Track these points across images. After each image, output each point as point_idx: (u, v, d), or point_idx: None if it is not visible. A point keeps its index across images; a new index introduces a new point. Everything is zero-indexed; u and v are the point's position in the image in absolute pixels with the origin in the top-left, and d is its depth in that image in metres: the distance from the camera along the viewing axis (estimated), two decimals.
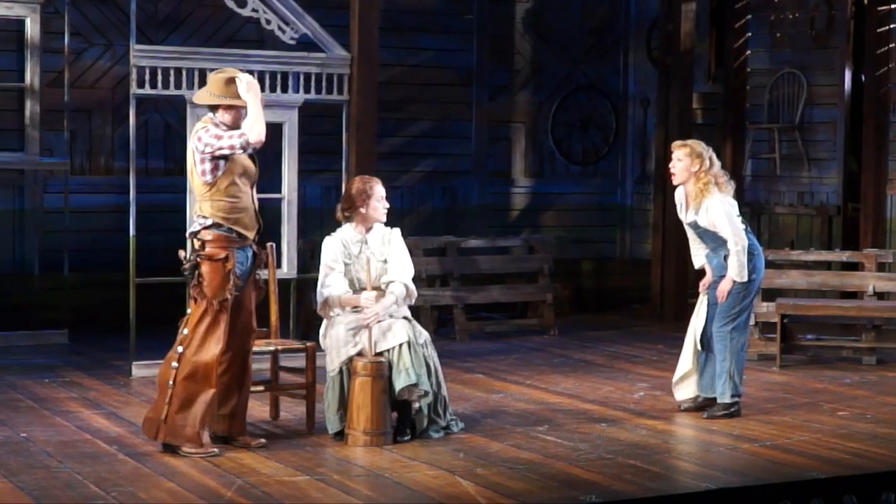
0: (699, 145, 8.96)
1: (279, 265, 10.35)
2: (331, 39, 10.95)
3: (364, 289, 8.16)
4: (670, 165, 9.00)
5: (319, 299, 8.26)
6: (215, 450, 7.69)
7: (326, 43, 10.93)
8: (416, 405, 8.11)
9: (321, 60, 10.91)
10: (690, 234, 9.11)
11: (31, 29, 12.05)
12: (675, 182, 9.00)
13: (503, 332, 12.93)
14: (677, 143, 9.11)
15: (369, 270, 8.14)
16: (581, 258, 15.11)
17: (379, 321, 8.04)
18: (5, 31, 12.08)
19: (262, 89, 10.56)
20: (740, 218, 8.90)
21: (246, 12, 10.71)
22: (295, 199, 10.88)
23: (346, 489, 6.97)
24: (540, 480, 7.19)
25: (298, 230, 10.96)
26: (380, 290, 8.18)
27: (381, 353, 8.05)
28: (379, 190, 8.32)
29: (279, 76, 10.77)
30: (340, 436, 8.07)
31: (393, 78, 13.71)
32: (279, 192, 10.69)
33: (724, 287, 8.82)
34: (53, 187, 12.63)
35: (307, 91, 10.87)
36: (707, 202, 8.80)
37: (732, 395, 8.85)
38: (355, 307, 8.12)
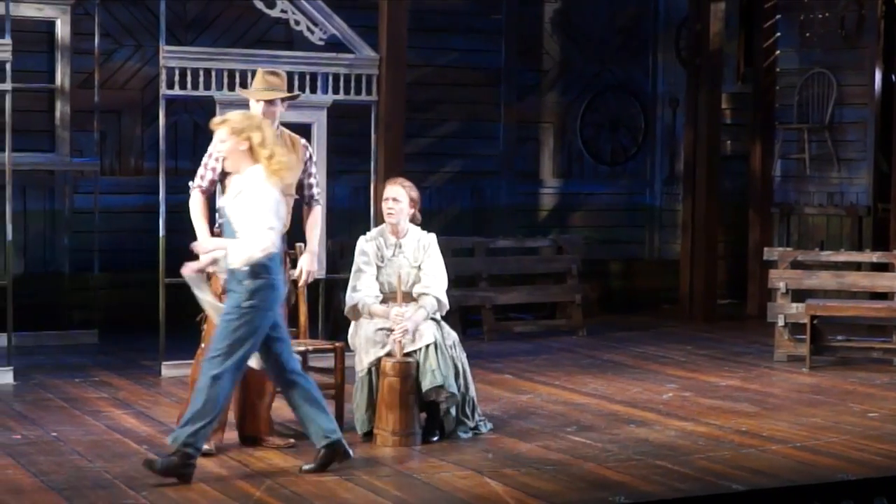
0: (241, 120, 7.22)
1: None
2: (359, 40, 10.96)
3: (394, 293, 8.16)
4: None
5: (349, 302, 8.26)
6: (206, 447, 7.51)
7: (355, 44, 10.95)
8: (444, 406, 8.12)
9: (350, 61, 10.93)
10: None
11: (62, 30, 12.10)
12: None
13: (531, 333, 12.93)
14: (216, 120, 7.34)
15: (400, 287, 8.12)
16: (609, 259, 15.09)
17: (408, 336, 8.02)
18: (36, 33, 12.12)
19: (291, 89, 10.68)
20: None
21: (275, 13, 10.74)
22: (324, 200, 10.86)
23: (375, 489, 6.98)
24: (569, 481, 7.18)
25: (327, 230, 10.97)
26: (409, 296, 8.17)
27: (409, 354, 8.05)
28: (386, 191, 8.31)
29: (308, 77, 10.79)
30: (369, 436, 8.08)
31: (421, 78, 13.72)
32: None
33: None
34: (84, 188, 12.69)
35: (335, 92, 10.90)
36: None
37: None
38: (384, 320, 8.10)
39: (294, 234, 8.15)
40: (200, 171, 7.87)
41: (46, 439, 8.09)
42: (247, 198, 7.01)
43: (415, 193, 8.31)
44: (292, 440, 7.94)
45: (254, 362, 7.26)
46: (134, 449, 7.85)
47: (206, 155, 7.89)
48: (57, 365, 10.84)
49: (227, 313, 7.07)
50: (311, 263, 7.97)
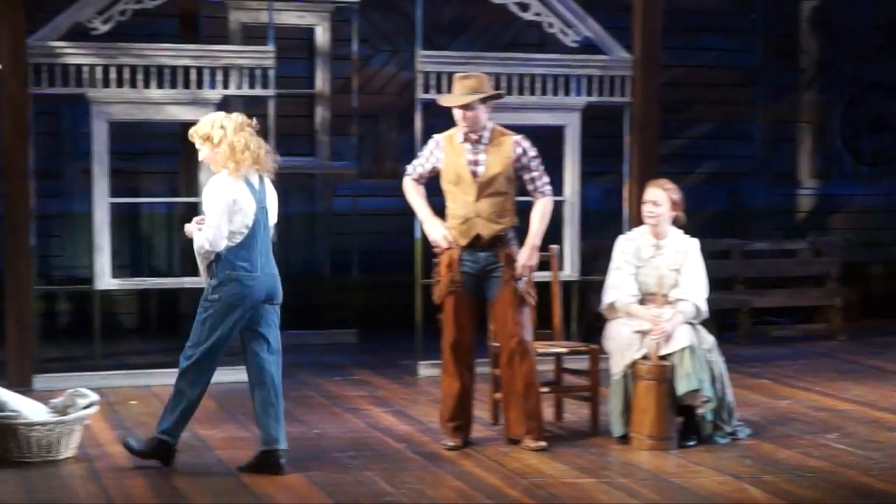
0: (204, 125, 7.38)
1: (561, 267, 10.39)
2: (613, 41, 10.93)
3: (650, 294, 8.11)
4: None
5: (605, 300, 8.25)
6: (450, 443, 7.90)
7: (608, 45, 10.92)
8: (700, 411, 8.03)
9: (603, 63, 10.90)
10: None
11: (321, 37, 12.39)
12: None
13: (789, 337, 12.69)
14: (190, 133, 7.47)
15: (659, 290, 8.08)
16: (870, 262, 14.69)
17: (666, 339, 7.97)
18: (296, 40, 12.46)
19: (544, 92, 10.73)
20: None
21: (528, 16, 10.79)
22: (577, 202, 10.91)
23: (632, 492, 6.95)
24: (830, 489, 7.03)
25: (580, 232, 10.98)
26: (665, 299, 8.11)
27: (664, 357, 8.00)
28: (647, 193, 8.26)
29: (561, 79, 10.81)
30: (625, 439, 8.05)
31: (674, 79, 13.59)
32: (561, 194, 10.73)
33: None
34: (342, 191, 12.99)
35: (589, 94, 10.88)
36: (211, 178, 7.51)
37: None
38: (640, 322, 8.07)
39: (550, 236, 8.20)
40: (414, 162, 8.15)
41: (309, 436, 8.31)
42: (204, 196, 7.33)
43: (676, 196, 8.24)
44: (543, 443, 7.92)
45: None
46: (393, 447, 7.99)
47: (422, 151, 8.13)
48: (318, 363, 11.12)
49: (199, 305, 7.39)
50: (528, 257, 7.91)
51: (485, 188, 7.86)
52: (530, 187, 8.00)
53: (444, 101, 8.10)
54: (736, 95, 14.45)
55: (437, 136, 8.06)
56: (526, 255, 7.90)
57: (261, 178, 7.41)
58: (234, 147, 7.24)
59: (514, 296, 7.86)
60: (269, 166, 7.42)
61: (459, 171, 7.90)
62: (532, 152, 7.96)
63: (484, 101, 7.90)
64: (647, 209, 8.24)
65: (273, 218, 7.56)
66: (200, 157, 7.45)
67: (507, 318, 7.90)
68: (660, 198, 8.21)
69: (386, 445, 8.04)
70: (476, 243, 7.88)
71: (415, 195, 8.09)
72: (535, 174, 7.97)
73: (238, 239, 7.27)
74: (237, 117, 7.39)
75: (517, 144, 7.93)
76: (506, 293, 7.87)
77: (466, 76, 8.00)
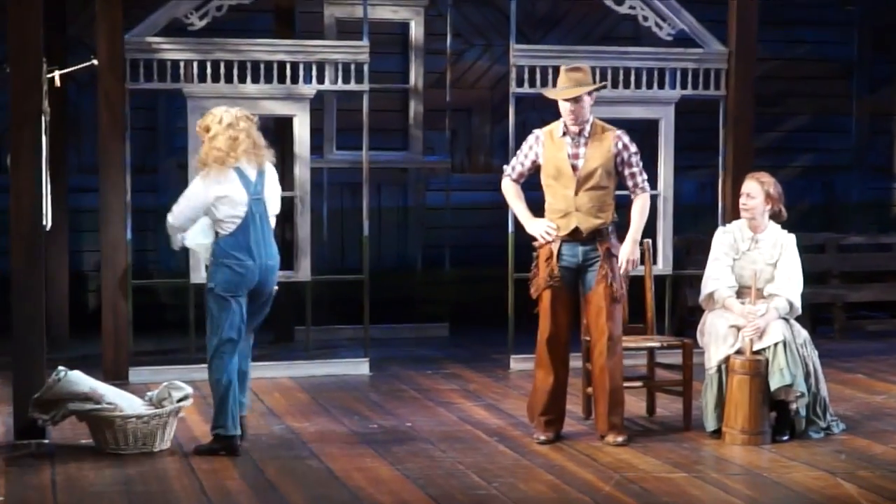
0: (204, 118, 7.82)
1: (655, 261, 10.34)
2: (708, 34, 10.85)
3: (747, 287, 8.06)
4: None
5: (705, 290, 8.20)
6: (542, 437, 7.91)
7: (704, 38, 10.85)
8: (794, 406, 7.97)
9: (698, 56, 10.83)
10: None
11: (416, 31, 12.42)
12: None
13: (885, 332, 12.53)
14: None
15: (754, 283, 8.03)
16: None
17: (759, 335, 7.92)
18: (391, 35, 12.50)
19: (639, 86, 10.68)
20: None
21: (623, 9, 10.74)
22: (671, 196, 10.85)
23: (725, 487, 6.91)
24: None
25: (674, 226, 10.92)
26: (760, 293, 8.05)
27: (758, 352, 7.94)
28: (743, 185, 8.23)
29: (655, 72, 10.76)
30: (718, 434, 8.01)
31: (770, 72, 13.47)
32: (655, 188, 10.67)
33: None
34: (435, 185, 13.02)
35: (683, 87, 10.82)
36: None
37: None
38: (735, 316, 8.02)
39: (643, 230, 8.17)
40: (513, 162, 8.13)
41: (401, 429, 8.35)
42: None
43: (773, 190, 8.18)
44: (621, 438, 7.87)
45: None
46: (485, 440, 8.01)
47: (520, 148, 8.11)
48: (410, 357, 11.17)
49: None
50: (630, 252, 7.90)
51: (584, 182, 7.85)
52: (630, 183, 7.96)
53: (551, 93, 8.08)
54: (832, 88, 14.28)
55: (536, 132, 8.06)
56: (629, 250, 7.89)
57: (261, 170, 7.69)
58: (225, 140, 7.57)
59: (608, 291, 7.85)
60: (262, 160, 7.70)
61: (560, 164, 7.89)
62: (632, 148, 7.94)
63: (590, 93, 7.89)
64: (741, 201, 8.23)
65: (273, 209, 7.81)
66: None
67: (601, 313, 7.88)
68: (753, 190, 8.17)
69: (477, 439, 8.06)
70: (575, 237, 7.87)
71: (514, 197, 8.10)
72: (634, 170, 7.94)
73: (230, 228, 7.57)
74: (236, 111, 7.72)
75: (618, 139, 7.90)
76: (601, 288, 7.86)
77: (573, 68, 7.96)
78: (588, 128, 7.90)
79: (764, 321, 7.91)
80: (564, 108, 7.87)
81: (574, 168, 7.86)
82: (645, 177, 8.01)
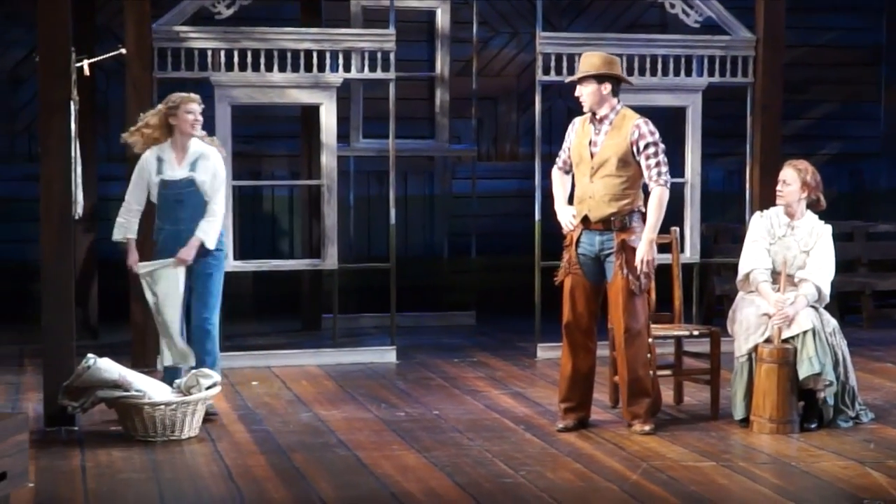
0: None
1: (682, 250, 10.32)
2: (735, 21, 10.81)
3: (777, 273, 8.04)
4: None
5: (742, 270, 8.16)
6: (560, 425, 7.94)
7: (731, 25, 10.81)
8: (822, 395, 7.94)
9: (725, 43, 10.79)
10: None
11: (442, 19, 12.41)
12: None
13: None
14: None
15: (785, 269, 8.00)
16: None
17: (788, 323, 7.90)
18: (417, 23, 12.50)
19: (666, 73, 10.65)
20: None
21: None
22: (698, 184, 10.82)
23: (753, 476, 6.90)
24: None
25: (701, 214, 10.89)
26: (791, 279, 8.03)
27: (787, 341, 7.92)
28: (781, 172, 8.21)
29: (682, 60, 10.72)
30: (746, 422, 7.99)
31: (798, 59, 13.42)
32: (682, 176, 10.65)
33: None
34: (461, 173, 13.02)
35: (711, 74, 10.78)
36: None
37: None
38: (766, 304, 8.01)
39: (670, 218, 8.16)
40: (560, 152, 8.15)
41: (428, 417, 8.36)
42: None
43: (811, 178, 8.13)
44: (647, 427, 7.86)
45: None
46: (512, 428, 8.01)
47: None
48: (436, 345, 11.18)
49: None
50: (645, 252, 7.77)
51: (598, 169, 7.83)
52: (645, 174, 7.81)
53: (569, 77, 8.12)
54: (860, 75, 14.22)
55: (575, 119, 8.07)
56: (644, 251, 7.78)
57: (188, 154, 8.24)
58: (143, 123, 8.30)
59: (624, 283, 7.81)
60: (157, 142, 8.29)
61: (581, 151, 7.90)
62: (649, 138, 7.77)
63: (600, 80, 7.85)
64: (777, 188, 8.22)
65: (205, 188, 8.19)
66: None
67: (617, 307, 7.87)
68: (790, 177, 8.14)
69: (504, 427, 8.06)
70: (589, 225, 7.87)
71: (556, 184, 8.11)
72: (649, 161, 7.77)
73: (155, 202, 8.30)
74: (173, 96, 8.30)
75: (636, 128, 7.80)
76: (618, 279, 7.82)
77: (590, 54, 7.98)
78: (613, 115, 7.87)
79: (793, 309, 7.89)
80: (577, 91, 7.91)
81: (592, 155, 7.86)
82: (663, 169, 7.78)
